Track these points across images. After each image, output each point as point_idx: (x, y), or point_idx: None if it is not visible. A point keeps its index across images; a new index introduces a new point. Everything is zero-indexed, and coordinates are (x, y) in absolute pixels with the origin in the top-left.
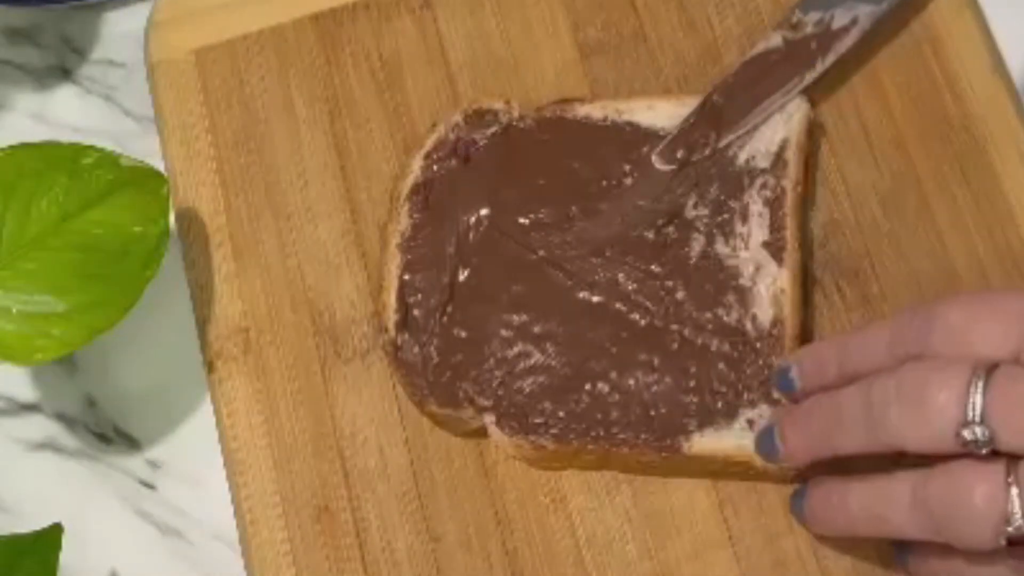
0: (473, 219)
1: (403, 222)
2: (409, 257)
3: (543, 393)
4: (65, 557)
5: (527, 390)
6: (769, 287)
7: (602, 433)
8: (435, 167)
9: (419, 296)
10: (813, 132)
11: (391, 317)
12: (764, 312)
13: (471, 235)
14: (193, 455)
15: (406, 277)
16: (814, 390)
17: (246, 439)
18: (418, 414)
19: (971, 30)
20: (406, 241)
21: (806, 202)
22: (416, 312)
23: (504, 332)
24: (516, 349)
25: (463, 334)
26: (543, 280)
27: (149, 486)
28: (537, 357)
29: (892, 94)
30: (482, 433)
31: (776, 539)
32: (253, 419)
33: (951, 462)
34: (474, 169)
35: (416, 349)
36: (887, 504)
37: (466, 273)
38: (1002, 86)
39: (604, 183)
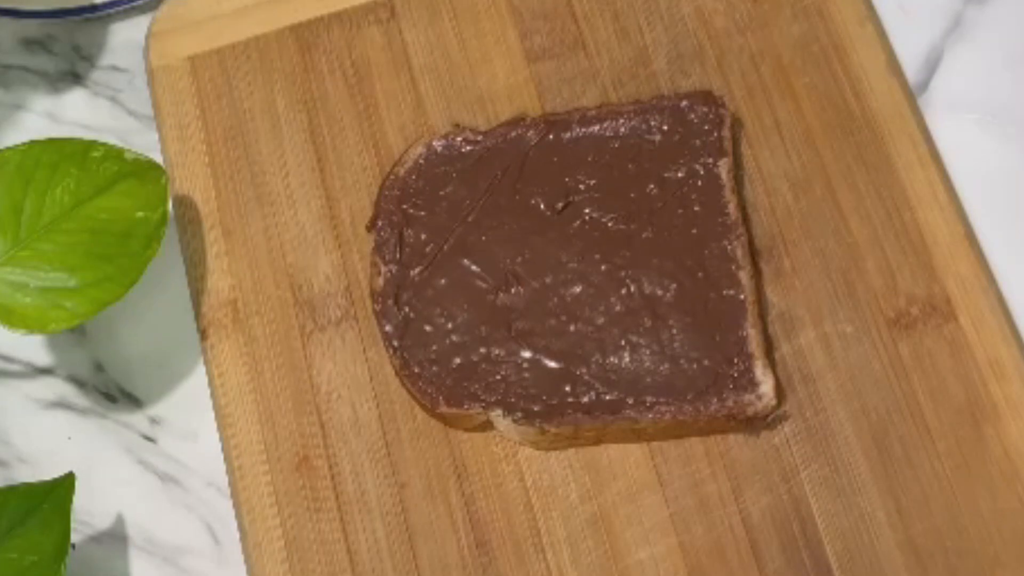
0: (461, 219)
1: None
2: (408, 250)
3: (538, 384)
4: (77, 502)
5: (524, 384)
6: (723, 259)
7: (579, 415)
8: (422, 176)
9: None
10: (734, 126)
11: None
12: (724, 282)
13: (462, 226)
14: (189, 412)
15: (394, 270)
16: None
17: (235, 397)
18: (386, 375)
19: (871, 38)
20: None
21: (739, 183)
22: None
23: (497, 334)
24: (508, 349)
25: (453, 332)
26: (517, 288)
27: (150, 440)
28: (526, 353)
29: (802, 94)
30: (488, 427)
31: (700, 484)
32: (241, 380)
33: None
34: (462, 173)
35: (419, 353)
36: None
37: (442, 273)
38: (897, 86)
39: (575, 195)
